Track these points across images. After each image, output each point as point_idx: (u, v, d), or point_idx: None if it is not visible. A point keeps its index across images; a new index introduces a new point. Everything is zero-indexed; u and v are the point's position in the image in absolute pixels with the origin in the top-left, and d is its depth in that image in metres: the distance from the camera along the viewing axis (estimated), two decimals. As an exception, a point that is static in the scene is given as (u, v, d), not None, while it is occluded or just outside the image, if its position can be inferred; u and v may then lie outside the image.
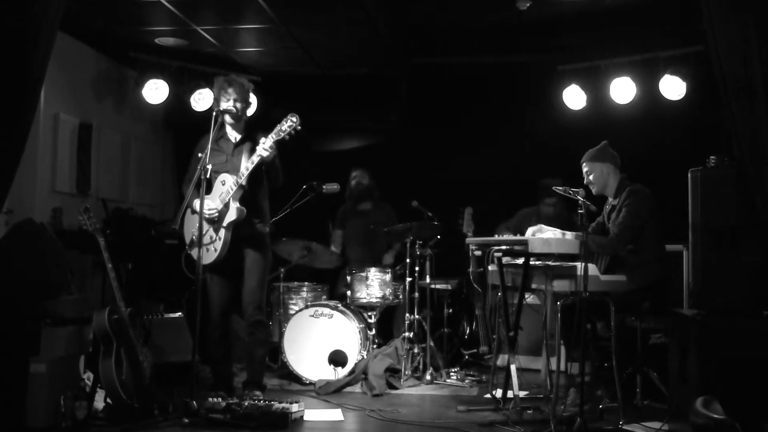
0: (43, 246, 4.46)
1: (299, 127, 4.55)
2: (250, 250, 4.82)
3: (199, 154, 4.61)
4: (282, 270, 6.12)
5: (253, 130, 4.90)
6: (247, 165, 4.63)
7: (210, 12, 5.80)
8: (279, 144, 4.61)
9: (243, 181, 4.64)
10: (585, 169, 4.82)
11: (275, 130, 4.56)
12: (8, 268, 4.33)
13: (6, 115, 3.94)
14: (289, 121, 4.55)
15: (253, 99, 5.06)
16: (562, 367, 5.34)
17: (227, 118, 4.75)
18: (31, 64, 4.00)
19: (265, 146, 4.56)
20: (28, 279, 4.32)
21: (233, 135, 4.89)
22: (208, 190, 4.71)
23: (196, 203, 4.66)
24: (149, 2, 5.48)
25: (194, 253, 4.67)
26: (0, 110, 3.92)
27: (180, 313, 5.74)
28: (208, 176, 4.53)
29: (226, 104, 4.73)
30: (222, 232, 4.70)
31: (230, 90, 4.74)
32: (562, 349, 4.96)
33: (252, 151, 4.69)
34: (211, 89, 6.75)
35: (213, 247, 4.72)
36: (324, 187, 5.90)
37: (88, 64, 6.64)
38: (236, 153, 4.82)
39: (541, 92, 6.83)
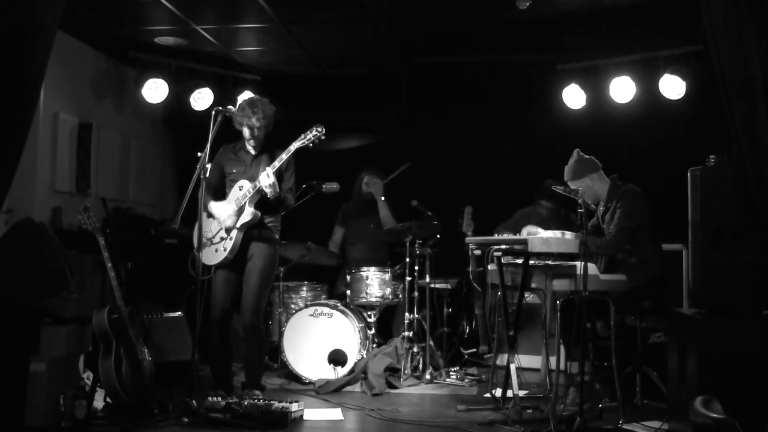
0: (42, 245, 4.46)
1: (323, 137, 4.72)
2: (257, 251, 4.85)
3: (226, 162, 4.77)
4: (282, 270, 6.12)
5: (274, 144, 4.96)
6: (268, 172, 4.67)
7: (210, 11, 5.79)
8: (300, 151, 4.75)
9: (261, 185, 4.67)
10: (572, 187, 4.82)
11: (300, 138, 4.71)
12: (8, 267, 4.33)
13: (6, 115, 3.94)
14: (314, 130, 4.71)
15: (268, 118, 5.03)
16: (562, 366, 5.35)
17: (245, 132, 4.83)
18: (31, 63, 4.00)
19: (290, 152, 4.69)
20: (28, 278, 4.32)
21: (251, 147, 4.97)
22: (224, 196, 4.88)
23: (212, 207, 4.80)
24: (149, 1, 5.47)
25: (203, 254, 4.71)
26: (0, 110, 3.92)
27: (180, 313, 5.74)
28: (207, 175, 4.57)
29: (248, 120, 4.79)
30: (233, 233, 4.76)
31: (246, 110, 4.80)
32: (562, 348, 4.95)
33: (271, 161, 4.77)
34: (210, 88, 6.78)
35: (222, 247, 4.76)
36: (324, 186, 5.90)
37: (88, 64, 6.64)
38: (254, 164, 4.91)
39: (541, 92, 6.83)
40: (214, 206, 4.83)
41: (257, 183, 4.69)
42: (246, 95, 6.49)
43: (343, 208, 6.75)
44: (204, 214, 4.78)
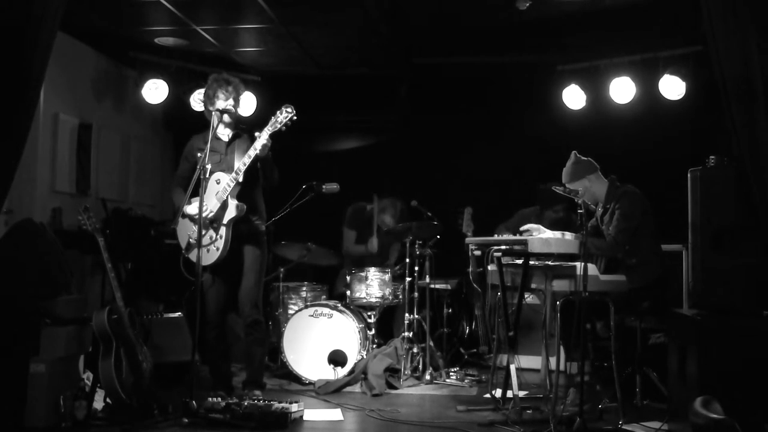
0: (42, 246, 4.46)
1: (295, 117, 4.56)
2: (247, 248, 4.82)
3: (198, 154, 4.62)
4: (282, 270, 6.12)
5: (245, 127, 4.92)
6: (243, 160, 4.62)
7: (210, 12, 5.80)
8: (275, 137, 4.61)
9: (240, 177, 4.62)
10: (570, 189, 4.81)
11: (271, 122, 4.58)
12: (8, 268, 4.33)
13: (6, 115, 3.94)
14: (284, 112, 4.56)
15: (244, 98, 5.05)
16: (562, 366, 5.35)
17: (225, 117, 4.74)
18: (31, 64, 4.00)
19: (261, 140, 4.56)
20: (28, 279, 4.32)
21: (225, 133, 4.88)
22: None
23: (188, 208, 4.70)
24: (149, 2, 5.48)
25: (192, 255, 4.68)
26: (0, 110, 3.92)
27: (180, 313, 5.74)
28: (207, 176, 4.53)
29: (225, 103, 4.73)
30: (222, 231, 4.69)
31: (230, 88, 4.75)
32: (561, 348, 4.96)
33: (246, 147, 4.69)
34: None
35: (215, 247, 4.71)
36: (324, 186, 5.89)
37: (88, 64, 6.64)
38: (229, 151, 4.83)
39: (541, 92, 6.83)
40: (192, 208, 4.69)
41: (235, 174, 4.61)
42: (246, 96, 6.47)
43: (351, 211, 6.70)
44: (181, 217, 4.76)
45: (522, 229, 4.71)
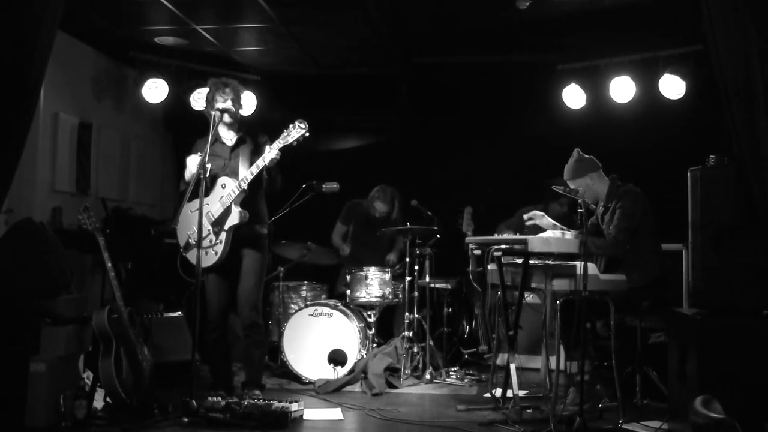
0: (42, 245, 4.46)
1: (308, 134, 4.56)
2: (248, 251, 4.83)
3: (198, 154, 4.61)
4: (282, 269, 6.12)
5: (250, 131, 4.91)
6: (251, 170, 4.63)
7: (210, 11, 5.79)
8: (284, 149, 4.61)
9: (245, 185, 4.64)
10: (571, 186, 4.81)
11: (282, 136, 4.58)
12: (8, 267, 4.33)
13: (6, 115, 3.94)
14: (297, 128, 4.55)
15: (245, 101, 5.06)
16: (562, 366, 5.35)
17: (225, 118, 4.73)
18: (31, 64, 4.00)
19: (271, 154, 4.57)
20: (28, 278, 4.32)
21: (228, 138, 4.88)
22: (207, 192, 4.69)
23: (193, 204, 4.68)
24: (149, 1, 5.48)
25: (190, 255, 4.68)
26: (0, 110, 3.92)
27: (180, 313, 5.74)
28: (207, 176, 4.53)
29: (224, 104, 4.73)
30: (223, 236, 4.71)
31: (228, 90, 4.75)
32: (561, 348, 4.96)
33: (252, 153, 4.70)
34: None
35: (213, 251, 4.72)
36: (324, 186, 5.89)
37: (87, 64, 6.64)
38: (233, 156, 4.83)
39: (541, 92, 6.83)
40: (195, 205, 4.65)
41: (241, 183, 4.62)
42: (246, 96, 6.47)
43: (349, 206, 6.70)
44: (188, 211, 4.76)
45: (526, 216, 4.72)
